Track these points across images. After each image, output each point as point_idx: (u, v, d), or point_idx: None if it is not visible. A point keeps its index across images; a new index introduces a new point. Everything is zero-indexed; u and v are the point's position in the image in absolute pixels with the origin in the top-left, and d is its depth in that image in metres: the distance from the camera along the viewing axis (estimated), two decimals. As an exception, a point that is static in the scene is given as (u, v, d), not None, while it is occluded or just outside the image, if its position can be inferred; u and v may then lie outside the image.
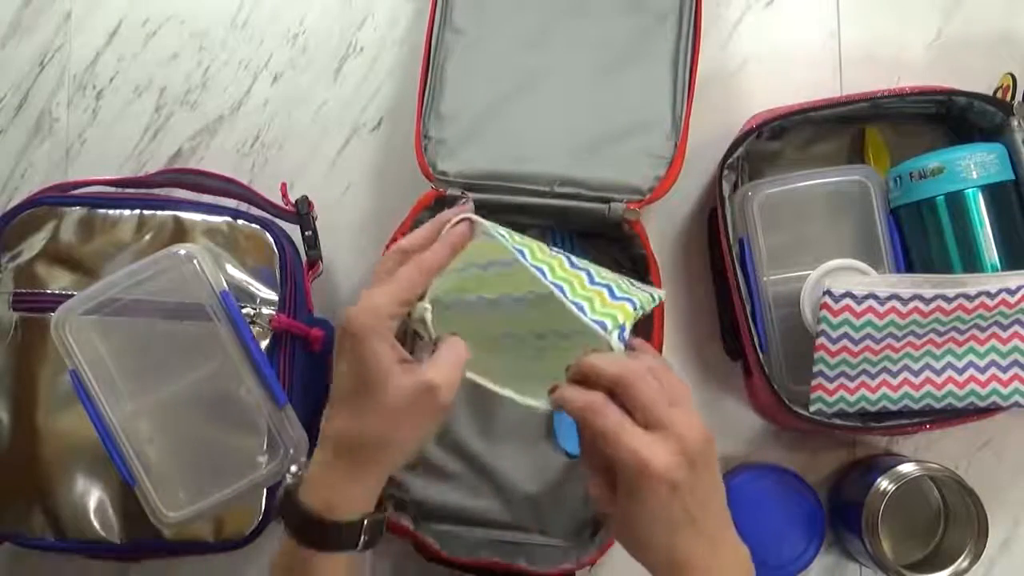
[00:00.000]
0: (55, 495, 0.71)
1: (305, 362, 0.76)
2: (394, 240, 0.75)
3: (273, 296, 0.74)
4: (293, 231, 0.79)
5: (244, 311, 0.72)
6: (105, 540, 0.72)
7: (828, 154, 0.83)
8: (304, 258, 0.79)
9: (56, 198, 0.75)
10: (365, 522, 0.57)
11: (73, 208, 0.74)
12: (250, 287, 0.73)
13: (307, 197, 0.79)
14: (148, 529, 0.71)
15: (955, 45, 0.86)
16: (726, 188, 0.78)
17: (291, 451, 0.69)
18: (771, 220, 0.78)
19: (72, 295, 0.71)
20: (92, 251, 0.73)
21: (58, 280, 0.73)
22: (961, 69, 0.84)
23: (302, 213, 0.79)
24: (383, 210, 0.86)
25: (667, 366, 0.58)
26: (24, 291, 0.73)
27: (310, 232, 0.79)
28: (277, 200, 0.80)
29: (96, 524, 0.72)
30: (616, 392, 0.55)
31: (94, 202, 0.75)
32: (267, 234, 0.75)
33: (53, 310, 0.71)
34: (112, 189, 0.79)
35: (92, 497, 0.72)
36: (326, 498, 0.56)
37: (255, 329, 0.73)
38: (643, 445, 0.53)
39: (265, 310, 0.73)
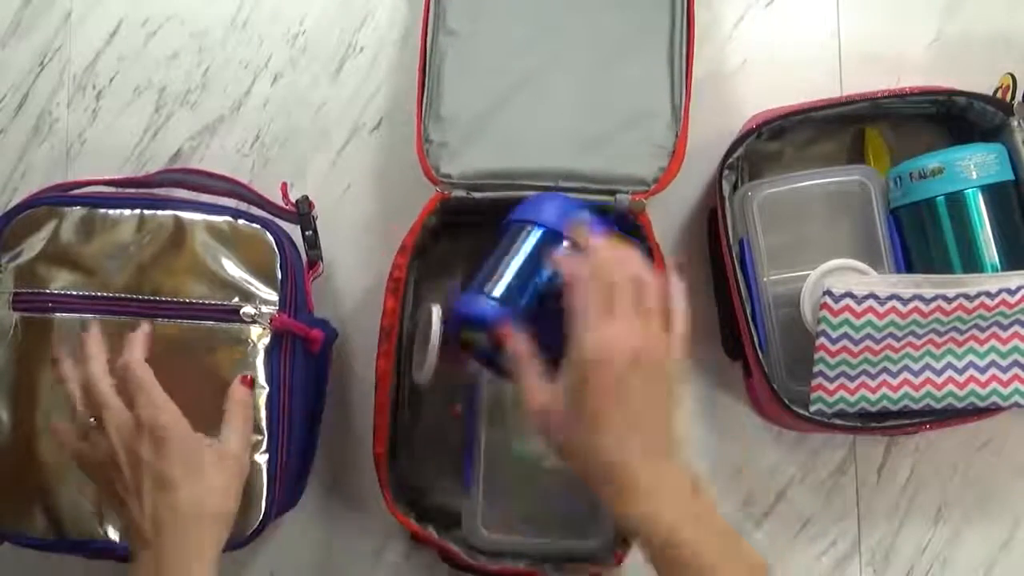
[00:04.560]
0: (55, 495, 0.71)
1: (304, 362, 0.76)
2: (404, 247, 0.76)
3: (273, 296, 0.74)
4: (293, 231, 0.79)
5: (244, 310, 0.72)
6: (105, 540, 0.72)
7: (828, 154, 0.83)
8: (304, 258, 0.79)
9: (56, 198, 0.75)
10: None
11: (73, 208, 0.74)
12: (250, 286, 0.73)
13: (307, 197, 0.79)
14: None
15: (955, 45, 0.86)
16: (726, 188, 0.78)
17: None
18: (771, 220, 0.78)
19: (72, 295, 0.71)
20: (92, 251, 0.73)
21: (58, 280, 0.73)
22: (961, 69, 0.83)
23: (302, 213, 0.79)
24: (383, 210, 0.86)
25: (659, 280, 0.63)
26: (24, 291, 0.73)
27: (310, 232, 0.79)
28: (277, 200, 0.80)
29: (96, 524, 0.72)
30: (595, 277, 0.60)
31: (94, 202, 0.75)
32: (267, 234, 0.75)
33: (53, 310, 0.71)
34: (112, 189, 0.79)
35: (92, 497, 0.72)
36: None
37: (255, 329, 0.73)
38: (603, 326, 0.58)
39: (265, 309, 0.73)
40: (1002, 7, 0.86)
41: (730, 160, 0.77)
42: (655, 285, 0.62)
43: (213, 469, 0.64)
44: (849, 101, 0.77)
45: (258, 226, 0.75)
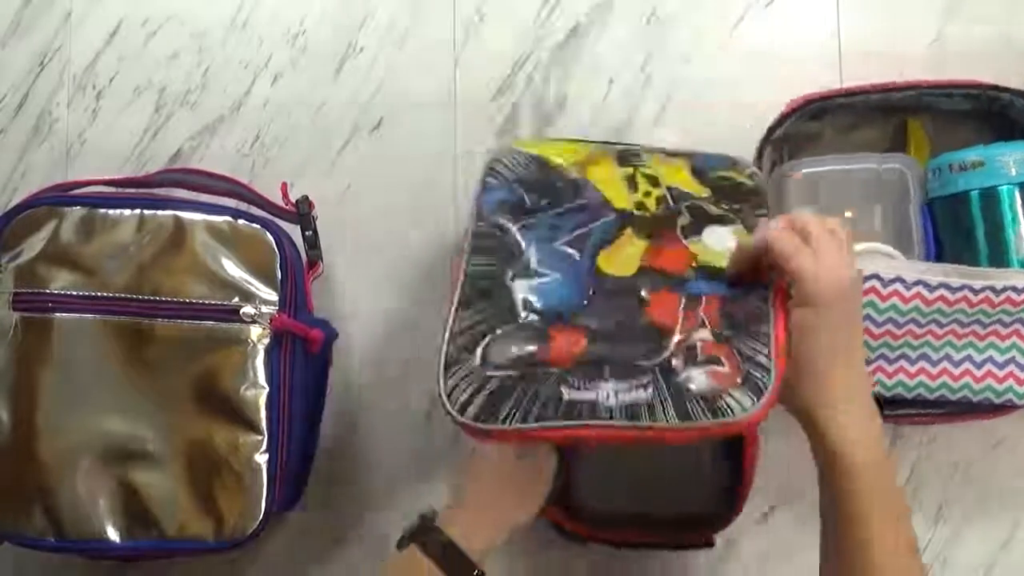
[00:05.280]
0: (55, 495, 0.71)
1: (304, 362, 0.76)
2: None
3: (273, 296, 0.74)
4: (293, 231, 0.79)
5: (244, 310, 0.72)
6: (105, 540, 0.72)
7: (868, 141, 0.83)
8: (304, 258, 0.79)
9: (56, 198, 0.75)
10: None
11: (73, 208, 0.74)
12: (250, 286, 0.73)
13: (307, 197, 0.79)
14: (148, 530, 0.72)
15: (955, 45, 0.86)
16: (766, 166, 0.78)
17: None
18: (808, 200, 0.78)
19: (72, 295, 0.71)
20: (92, 251, 0.73)
21: (58, 280, 0.73)
22: (961, 69, 0.83)
23: (302, 213, 0.79)
24: (383, 210, 0.86)
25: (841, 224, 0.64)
26: (24, 291, 0.73)
27: (310, 232, 0.79)
28: (277, 200, 0.80)
29: (96, 524, 0.72)
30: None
31: (94, 202, 0.75)
32: (267, 234, 0.75)
33: (53, 310, 0.71)
34: (112, 189, 0.79)
35: (92, 497, 0.72)
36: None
37: (255, 329, 0.73)
38: (812, 261, 0.59)
39: (265, 309, 0.73)
40: (1002, 7, 0.86)
41: (772, 137, 0.77)
42: (838, 225, 0.63)
43: (522, 480, 0.70)
44: (894, 88, 0.77)
45: (258, 226, 0.75)
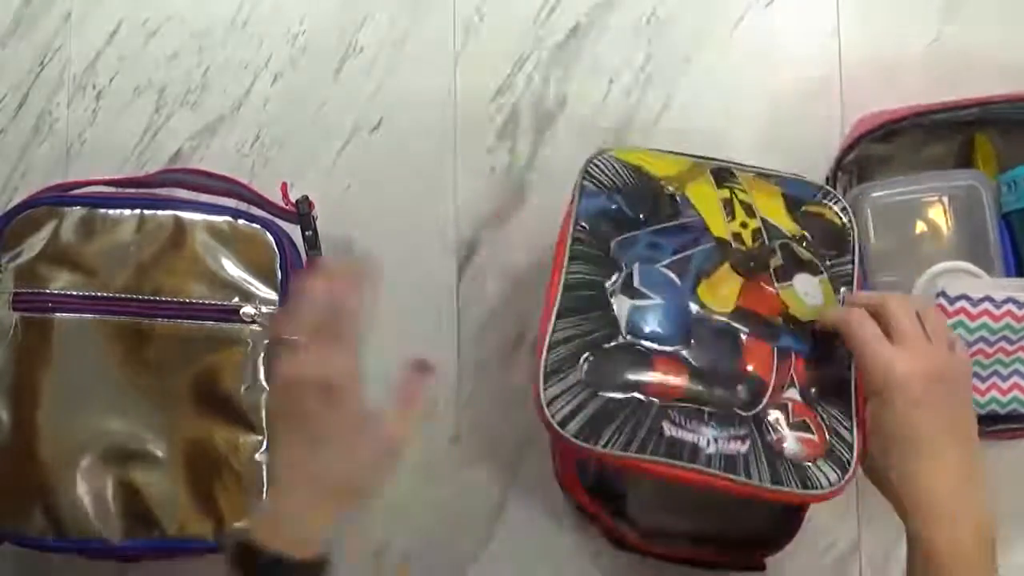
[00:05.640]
0: (55, 494, 0.71)
1: None
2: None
3: (273, 296, 0.74)
4: (293, 231, 0.79)
5: (244, 310, 0.72)
6: (105, 540, 0.72)
7: (937, 158, 0.83)
8: (305, 258, 0.79)
9: (56, 198, 0.75)
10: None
11: (73, 208, 0.74)
12: (250, 286, 0.74)
13: (307, 197, 0.79)
14: (148, 530, 0.71)
15: (955, 45, 0.86)
16: (839, 191, 0.77)
17: None
18: (882, 222, 0.78)
19: (72, 295, 0.71)
20: (93, 251, 0.73)
21: (58, 280, 0.73)
22: (961, 69, 0.83)
23: (302, 213, 0.79)
24: (383, 210, 0.86)
25: (933, 307, 0.65)
26: (24, 291, 0.73)
27: (311, 232, 0.79)
28: (277, 200, 0.80)
29: (96, 524, 0.72)
30: (874, 314, 0.61)
31: (94, 202, 0.75)
32: (267, 233, 0.75)
33: (53, 310, 0.71)
34: (112, 189, 0.79)
35: (92, 497, 0.72)
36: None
37: (254, 328, 0.73)
38: (887, 351, 0.59)
39: (265, 309, 0.73)
40: (1001, 7, 0.86)
41: (843, 163, 0.77)
42: (930, 309, 0.63)
43: (365, 450, 0.59)
44: (962, 106, 0.77)
45: (258, 226, 0.75)
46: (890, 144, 0.82)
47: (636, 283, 0.67)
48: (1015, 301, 0.71)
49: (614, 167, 0.71)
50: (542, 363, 0.64)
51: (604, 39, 0.87)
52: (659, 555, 0.77)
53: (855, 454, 0.63)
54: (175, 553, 0.75)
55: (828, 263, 0.70)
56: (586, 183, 0.71)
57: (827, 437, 0.64)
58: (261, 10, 0.89)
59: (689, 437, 0.63)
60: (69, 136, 0.89)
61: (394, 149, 0.87)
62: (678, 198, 0.70)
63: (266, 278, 0.74)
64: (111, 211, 0.74)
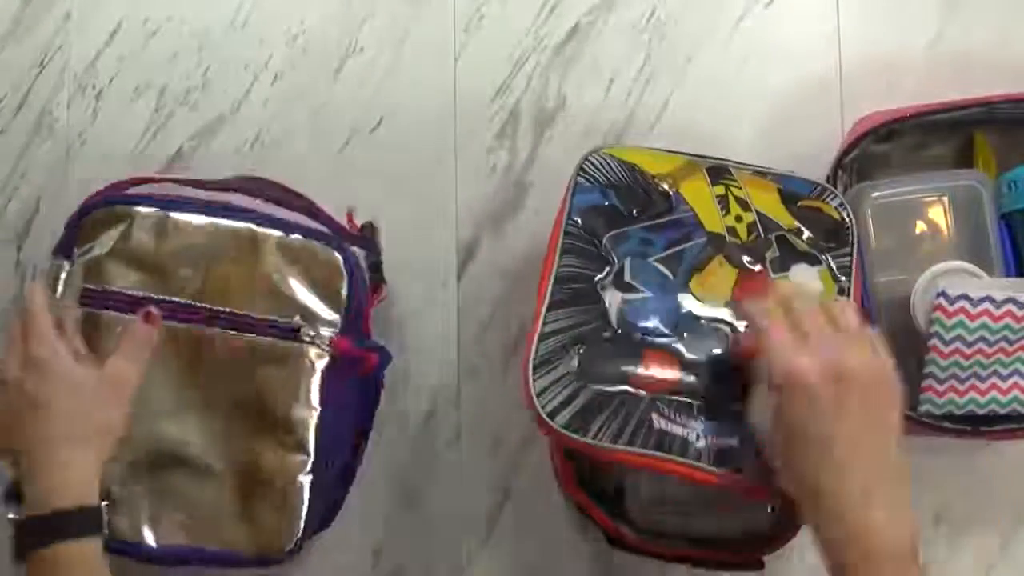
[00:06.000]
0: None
1: (356, 385, 0.75)
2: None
3: (335, 318, 0.72)
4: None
5: (304, 330, 0.71)
6: (141, 543, 0.71)
7: (937, 158, 0.82)
8: (368, 282, 0.77)
9: (132, 198, 0.74)
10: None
11: (148, 209, 0.73)
12: (313, 307, 0.72)
13: (372, 223, 0.79)
14: (185, 537, 0.71)
15: (956, 45, 0.86)
16: (838, 190, 0.77)
17: None
18: (881, 222, 0.77)
19: (136, 296, 0.71)
20: (162, 254, 0.72)
21: (125, 279, 0.72)
22: (961, 69, 0.84)
23: (368, 238, 0.78)
24: (383, 210, 0.86)
25: (851, 305, 0.63)
26: (91, 287, 0.72)
27: (375, 257, 0.78)
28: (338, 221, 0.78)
29: (134, 526, 0.71)
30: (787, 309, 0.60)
31: (169, 205, 0.73)
32: (338, 256, 0.73)
33: (117, 309, 0.70)
34: (188, 193, 0.77)
35: (133, 499, 0.71)
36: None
37: (314, 350, 0.71)
38: (788, 346, 0.57)
39: (325, 331, 0.71)
40: (1001, 7, 0.86)
41: (843, 162, 0.77)
42: (848, 308, 0.61)
43: (88, 395, 0.65)
44: (965, 106, 0.77)
45: (330, 247, 0.73)
46: (890, 144, 0.82)
47: (627, 277, 0.67)
48: (1015, 301, 0.71)
49: (608, 164, 0.72)
50: (532, 354, 0.64)
51: (604, 39, 0.87)
52: (658, 555, 0.77)
53: None
54: (209, 563, 0.73)
55: (827, 255, 0.70)
56: (580, 179, 0.71)
57: None
58: (261, 10, 0.89)
59: (679, 431, 0.63)
60: (69, 136, 0.89)
61: (394, 149, 0.87)
62: (672, 194, 0.71)
63: (331, 300, 0.72)
64: (185, 216, 0.73)
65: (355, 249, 0.77)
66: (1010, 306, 0.71)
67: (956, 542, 0.82)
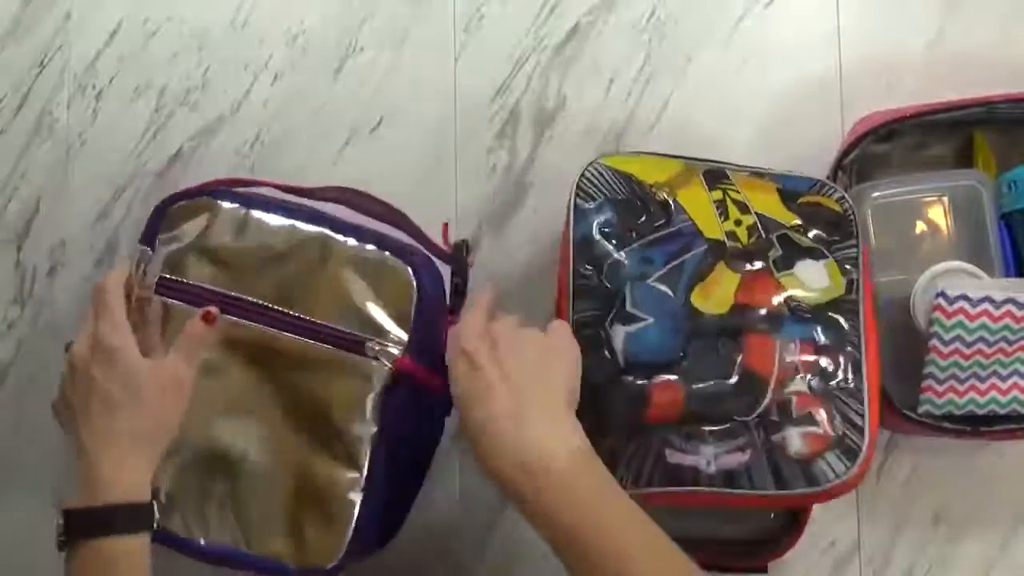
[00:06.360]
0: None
1: (420, 407, 0.74)
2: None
3: (403, 336, 0.70)
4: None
5: (369, 345, 0.70)
6: (187, 539, 0.71)
7: (937, 158, 0.82)
8: (448, 302, 0.76)
9: (217, 191, 0.74)
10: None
11: (231, 205, 0.73)
12: (382, 322, 0.70)
13: (467, 241, 0.78)
14: (231, 538, 0.71)
15: (956, 45, 0.86)
16: None
17: None
18: (881, 222, 0.77)
19: (210, 290, 0.71)
20: (239, 251, 0.72)
21: (201, 272, 0.72)
22: (962, 69, 0.83)
23: (457, 257, 0.77)
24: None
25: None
26: (169, 277, 0.72)
27: (460, 278, 0.76)
28: (437, 236, 0.78)
29: (181, 521, 0.71)
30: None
31: (251, 204, 0.73)
32: (411, 273, 0.71)
33: (190, 302, 0.71)
34: (272, 194, 0.77)
35: (184, 495, 0.71)
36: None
37: (376, 364, 0.70)
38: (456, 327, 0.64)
39: (391, 348, 0.70)
40: (1002, 7, 0.86)
41: (843, 162, 0.77)
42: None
43: (151, 393, 0.65)
44: (965, 105, 0.76)
45: (404, 263, 0.71)
46: (890, 144, 0.82)
47: (628, 306, 0.67)
48: (1015, 301, 0.71)
49: (604, 177, 0.71)
50: None
51: (604, 39, 0.87)
52: None
53: (868, 440, 0.62)
54: (249, 568, 0.72)
55: (832, 248, 0.70)
56: (579, 200, 0.70)
57: (835, 426, 0.63)
58: (261, 10, 0.89)
59: (690, 460, 0.63)
60: (69, 136, 0.89)
61: (394, 149, 0.87)
62: (670, 204, 0.70)
63: (400, 317, 0.70)
64: (265, 216, 0.73)
65: (440, 265, 0.76)
66: (1009, 306, 0.71)
67: (956, 542, 0.82)
